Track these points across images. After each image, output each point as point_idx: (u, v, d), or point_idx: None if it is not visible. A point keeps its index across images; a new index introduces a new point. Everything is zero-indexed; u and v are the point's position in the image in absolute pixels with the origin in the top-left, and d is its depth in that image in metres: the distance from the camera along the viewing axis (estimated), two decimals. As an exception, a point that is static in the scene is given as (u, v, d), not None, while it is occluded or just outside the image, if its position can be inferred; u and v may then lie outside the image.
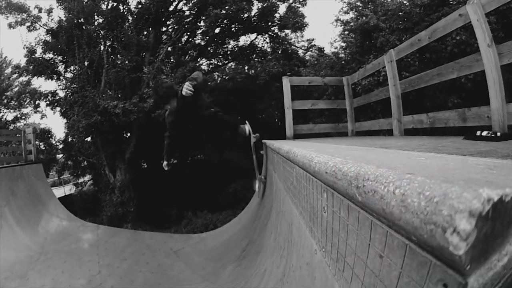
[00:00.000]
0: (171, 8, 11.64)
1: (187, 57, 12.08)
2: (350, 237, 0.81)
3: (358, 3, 7.51)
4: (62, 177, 14.73)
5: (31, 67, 11.06)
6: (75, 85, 10.39)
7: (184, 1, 11.62)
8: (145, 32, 11.64)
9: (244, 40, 13.09)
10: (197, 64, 11.79)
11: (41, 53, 11.11)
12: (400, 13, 5.86)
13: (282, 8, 12.15)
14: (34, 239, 4.90)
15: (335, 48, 8.43)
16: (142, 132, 10.53)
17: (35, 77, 11.54)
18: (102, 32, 10.99)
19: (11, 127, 13.45)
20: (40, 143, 12.48)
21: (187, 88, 2.81)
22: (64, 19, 10.79)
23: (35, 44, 11.00)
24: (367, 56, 6.10)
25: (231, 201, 9.94)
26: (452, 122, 2.64)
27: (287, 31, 12.63)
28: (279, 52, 12.34)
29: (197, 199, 10.68)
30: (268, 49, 12.87)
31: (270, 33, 12.54)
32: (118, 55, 11.11)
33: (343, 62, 7.31)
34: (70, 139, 12.27)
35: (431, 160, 0.85)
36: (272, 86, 10.37)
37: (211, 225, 8.65)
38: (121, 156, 10.54)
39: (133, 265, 4.38)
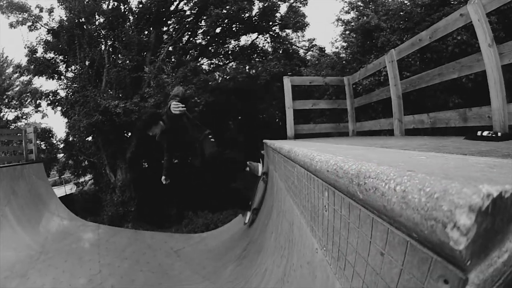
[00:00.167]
0: (172, 8, 11.66)
1: (188, 56, 12.10)
2: (351, 235, 0.81)
3: (359, 3, 7.50)
4: (63, 176, 14.77)
5: (32, 66, 11.09)
6: (76, 85, 10.42)
7: (185, 1, 11.65)
8: (146, 32, 11.66)
9: (245, 39, 13.15)
10: (198, 64, 11.80)
11: (42, 53, 11.15)
12: (401, 13, 5.85)
13: (283, 8, 12.19)
14: (35, 238, 4.91)
15: (336, 48, 8.43)
16: (143, 131, 10.52)
17: (36, 77, 11.57)
18: (103, 32, 11.01)
19: (12, 127, 13.50)
20: (41, 143, 12.48)
21: (175, 106, 2.80)
22: (65, 18, 10.82)
23: (36, 44, 11.04)
24: (368, 56, 6.10)
25: (232, 201, 9.92)
26: (453, 122, 2.64)
27: (288, 31, 12.64)
28: (280, 52, 12.33)
29: (197, 198, 10.68)
30: (269, 49, 12.89)
31: (271, 32, 12.55)
32: (119, 55, 11.13)
33: (344, 62, 7.30)
34: (71, 139, 12.29)
35: (432, 159, 0.86)
36: (273, 86, 10.36)
37: (212, 224, 8.66)
38: (122, 155, 10.55)
39: (134, 265, 4.37)
